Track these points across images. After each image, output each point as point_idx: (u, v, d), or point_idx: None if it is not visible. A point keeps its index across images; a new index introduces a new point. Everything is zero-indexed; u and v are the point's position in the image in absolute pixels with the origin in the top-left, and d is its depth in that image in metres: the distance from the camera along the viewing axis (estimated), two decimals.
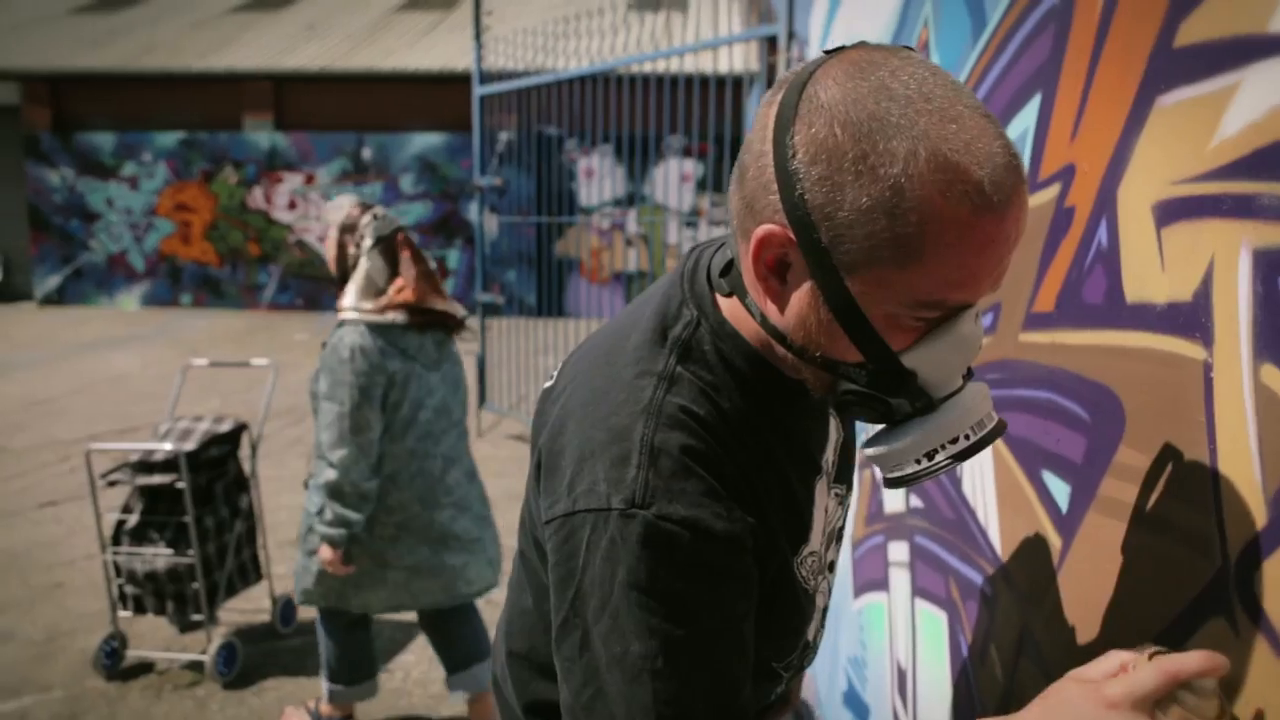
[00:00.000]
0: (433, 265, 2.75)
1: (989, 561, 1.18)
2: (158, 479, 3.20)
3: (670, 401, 0.81)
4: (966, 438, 0.79)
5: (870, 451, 0.82)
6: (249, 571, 3.54)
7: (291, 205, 13.29)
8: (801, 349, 0.79)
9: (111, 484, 3.22)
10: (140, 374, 8.87)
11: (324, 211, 3.01)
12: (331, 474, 2.49)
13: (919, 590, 1.50)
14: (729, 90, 5.26)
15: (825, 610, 1.03)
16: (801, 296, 0.75)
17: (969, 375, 0.81)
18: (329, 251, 2.67)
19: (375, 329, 2.55)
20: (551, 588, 0.82)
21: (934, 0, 1.48)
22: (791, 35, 3.94)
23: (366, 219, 2.64)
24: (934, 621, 1.42)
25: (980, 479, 1.22)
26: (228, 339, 10.91)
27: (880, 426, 0.83)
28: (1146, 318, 0.80)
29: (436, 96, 12.60)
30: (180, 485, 3.17)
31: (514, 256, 12.52)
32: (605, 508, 0.78)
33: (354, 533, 2.54)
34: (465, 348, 8.30)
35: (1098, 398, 0.89)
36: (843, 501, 1.04)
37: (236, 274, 13.46)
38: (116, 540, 3.27)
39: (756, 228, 0.74)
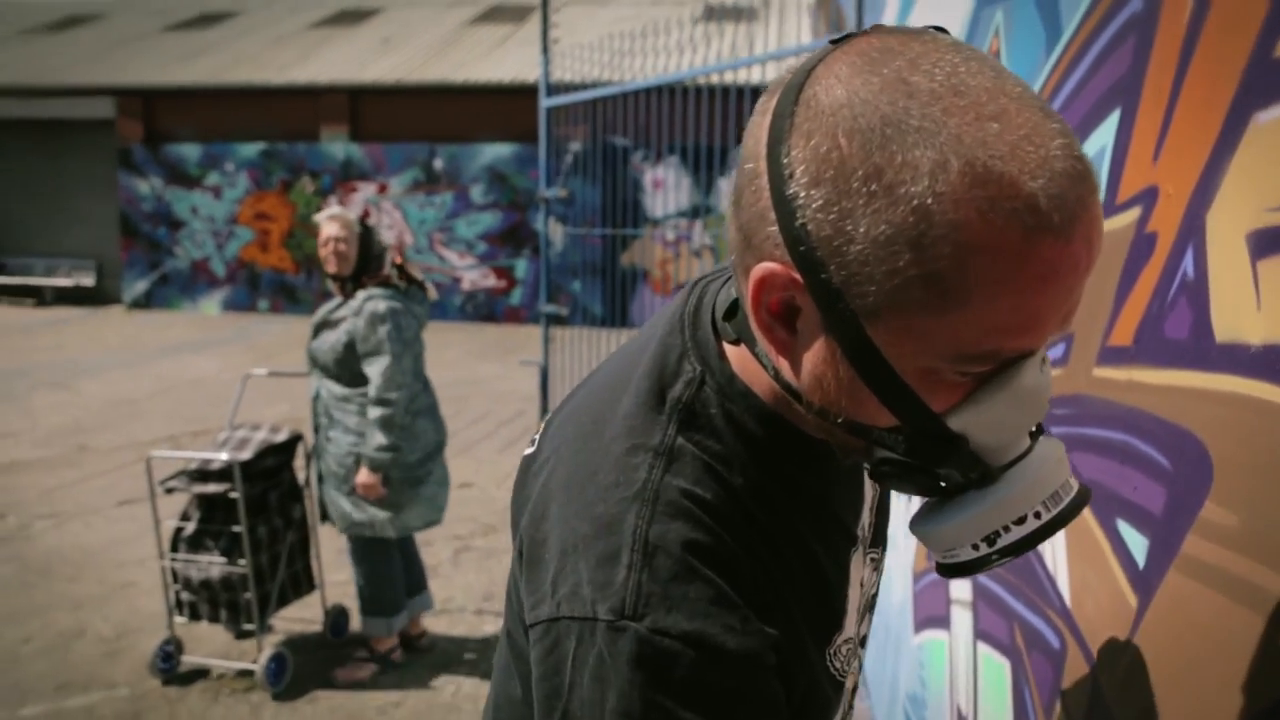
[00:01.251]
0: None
1: (1056, 612, 1.09)
2: (212, 488, 3.22)
3: (669, 484, 0.66)
4: (1038, 515, 0.63)
5: (917, 532, 0.68)
6: (301, 582, 3.54)
7: (365, 214, 13.56)
8: (822, 411, 0.64)
9: (169, 491, 3.25)
10: (216, 378, 9.13)
11: (329, 217, 3.29)
12: (388, 411, 3.12)
13: (981, 633, 1.41)
14: None
15: (855, 689, 0.87)
16: (816, 349, 0.61)
17: (1038, 432, 0.66)
18: (349, 246, 3.22)
19: (401, 294, 3.28)
20: (536, 703, 0.68)
21: (1005, 7, 1.40)
22: None
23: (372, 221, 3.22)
24: (996, 669, 1.33)
25: None
26: (300, 344, 11.14)
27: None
28: (1238, 359, 0.72)
29: (507, 108, 12.75)
30: (234, 495, 3.18)
31: (581, 267, 12.58)
32: (590, 616, 0.63)
33: (397, 458, 3.19)
34: (529, 358, 8.35)
35: (1181, 444, 0.80)
36: (878, 566, 0.88)
37: (311, 281, 13.79)
38: (174, 547, 3.31)
39: (755, 265, 0.60)
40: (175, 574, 3.31)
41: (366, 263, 3.27)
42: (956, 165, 0.51)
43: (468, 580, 4.22)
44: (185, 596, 3.32)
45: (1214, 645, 0.74)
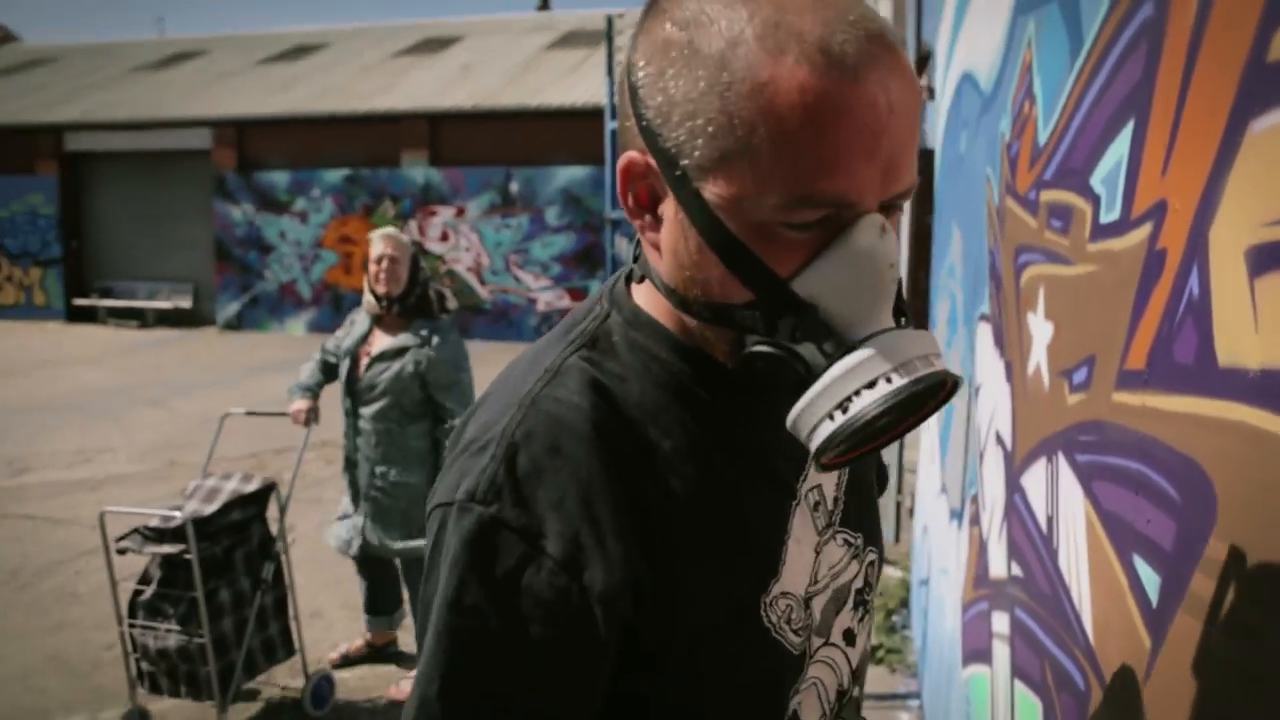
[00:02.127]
0: None
1: (1082, 651, 1.03)
2: (167, 549, 2.86)
3: (547, 394, 0.68)
4: (888, 380, 0.59)
5: (789, 418, 0.64)
6: (276, 648, 3.18)
7: (444, 237, 13.89)
8: (684, 298, 0.66)
9: (121, 552, 2.95)
10: None
11: (383, 236, 3.32)
12: None
13: (1018, 670, 1.34)
14: None
15: (842, 693, 0.81)
16: (671, 226, 0.65)
17: (906, 322, 0.66)
18: (401, 266, 3.24)
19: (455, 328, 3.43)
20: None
21: (1036, 20, 1.35)
22: (925, 60, 3.77)
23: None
24: (1031, 708, 1.26)
25: (1075, 554, 1.08)
26: None
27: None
28: (1239, 385, 0.67)
29: (581, 131, 12.91)
30: (188, 557, 2.82)
31: None
32: (450, 501, 0.66)
33: None
34: None
35: (1188, 475, 0.75)
36: (858, 555, 0.82)
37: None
38: (132, 613, 2.97)
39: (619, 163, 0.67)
40: (134, 642, 2.97)
41: (414, 284, 3.29)
42: (757, 21, 0.58)
43: None
44: (145, 667, 2.98)
45: (1217, 694, 0.69)
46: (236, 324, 14.96)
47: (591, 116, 12.50)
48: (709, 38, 0.59)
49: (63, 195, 15.88)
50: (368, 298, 3.32)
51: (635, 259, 0.75)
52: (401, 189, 14.00)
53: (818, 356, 0.62)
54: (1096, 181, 1.01)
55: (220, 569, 2.96)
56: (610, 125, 6.14)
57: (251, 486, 3.06)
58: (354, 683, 3.51)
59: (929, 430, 3.39)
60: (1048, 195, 1.24)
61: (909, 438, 5.12)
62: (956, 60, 2.57)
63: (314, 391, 3.42)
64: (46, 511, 5.57)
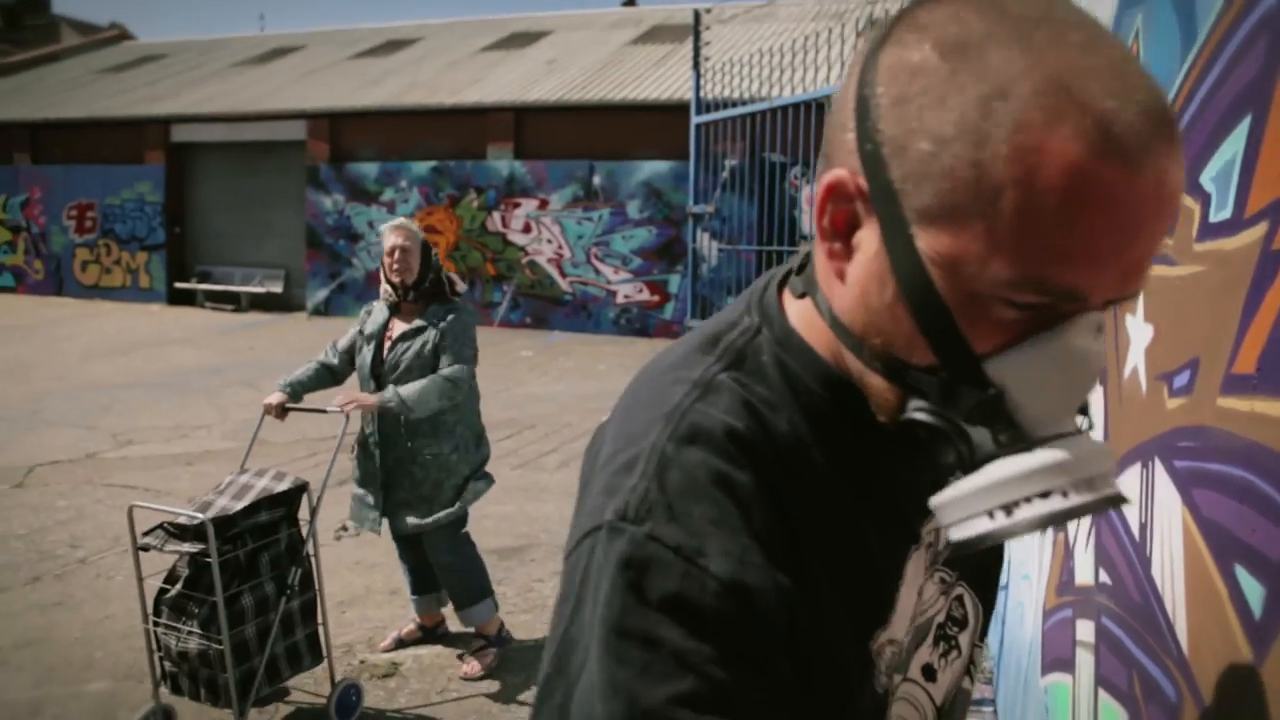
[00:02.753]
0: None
1: (1174, 661, 1.01)
2: (188, 548, 2.77)
3: (699, 409, 0.63)
4: (1065, 495, 0.55)
5: (934, 500, 0.60)
6: (302, 655, 3.06)
7: (526, 229, 14.08)
8: (860, 341, 0.61)
9: (143, 549, 2.84)
10: None
11: (394, 227, 3.44)
12: (448, 383, 3.31)
13: (1102, 679, 1.31)
14: None
15: None
16: (866, 263, 0.59)
17: (1089, 424, 0.60)
18: (412, 260, 3.38)
19: (472, 307, 3.57)
20: (550, 639, 0.63)
21: (1145, 9, 1.30)
22: None
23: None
24: (1115, 717, 1.23)
25: (1170, 562, 1.05)
26: None
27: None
28: None
29: (664, 125, 12.92)
30: (207, 559, 2.72)
31: (735, 283, 12.57)
32: (598, 525, 0.60)
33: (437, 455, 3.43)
34: None
35: None
36: (947, 591, 0.78)
37: (474, 292, 14.42)
38: (158, 610, 2.88)
39: (823, 178, 0.60)
40: (158, 640, 2.88)
41: (426, 272, 3.44)
42: (1036, 73, 0.51)
43: None
44: (168, 666, 2.90)
45: None
46: (324, 309, 15.43)
47: (674, 111, 12.49)
48: (975, 76, 0.52)
49: (168, 184, 16.63)
50: (385, 287, 3.48)
51: (800, 269, 0.69)
52: (486, 180, 14.24)
53: (989, 443, 0.57)
54: (1206, 179, 0.98)
55: (244, 572, 2.89)
56: (696, 119, 6.13)
57: (282, 486, 2.96)
58: (415, 664, 3.61)
59: None
60: None
61: None
62: None
63: (295, 390, 3.52)
64: (147, 483, 5.85)
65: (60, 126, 17.45)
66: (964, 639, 0.79)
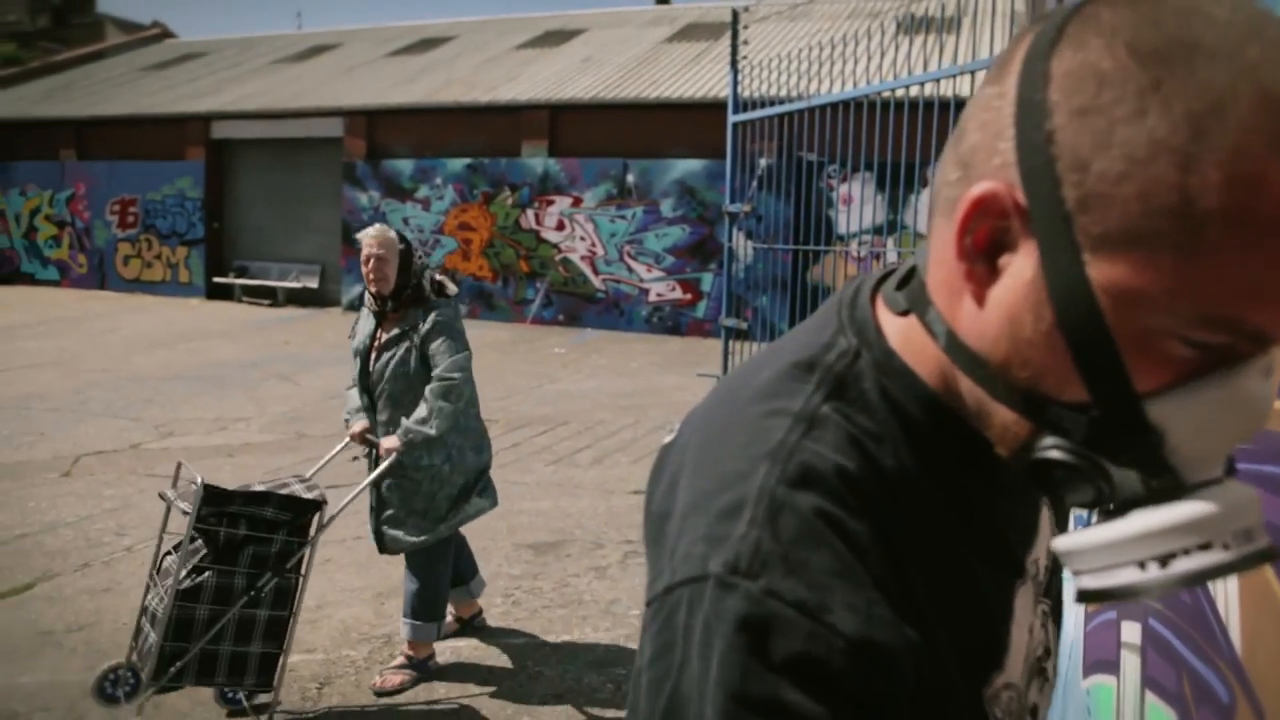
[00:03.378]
0: None
1: (1227, 664, 1.01)
2: (182, 505, 2.77)
3: (808, 447, 0.57)
4: (1226, 547, 0.50)
5: (1064, 544, 0.56)
6: (248, 671, 2.88)
7: (559, 226, 14.15)
8: (998, 372, 0.55)
9: (161, 497, 2.94)
10: None
11: (370, 235, 3.31)
12: (451, 382, 3.24)
13: (1149, 680, 1.31)
14: None
15: None
16: (1016, 289, 0.53)
17: (1233, 468, 0.56)
18: (387, 269, 3.27)
19: (456, 307, 3.46)
20: (644, 693, 0.57)
21: None
22: None
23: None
24: (1163, 719, 1.23)
25: None
26: (493, 348, 11.79)
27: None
28: None
29: (698, 123, 12.92)
30: (185, 510, 2.72)
31: (768, 282, 12.54)
32: (701, 575, 0.55)
33: (437, 473, 3.34)
34: (706, 371, 8.36)
35: None
36: (1050, 623, 0.73)
37: (507, 289, 14.52)
38: (158, 570, 2.91)
39: (969, 190, 0.53)
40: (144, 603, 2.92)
41: (407, 279, 3.32)
42: (1251, 91, 0.45)
43: (633, 583, 4.32)
44: (144, 625, 2.89)
45: None
46: (359, 305, 15.55)
47: (708, 109, 12.49)
48: (1186, 88, 0.46)
49: (208, 179, 16.91)
50: (368, 296, 3.39)
51: (902, 282, 0.63)
52: (520, 178, 14.32)
53: (1136, 487, 0.53)
54: None
55: (222, 553, 2.80)
56: (733, 118, 6.14)
57: (306, 494, 2.95)
58: (453, 656, 3.65)
59: None
60: None
61: None
62: None
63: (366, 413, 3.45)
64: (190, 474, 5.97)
65: (104, 123, 17.79)
66: (1049, 666, 0.76)
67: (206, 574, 2.77)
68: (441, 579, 3.45)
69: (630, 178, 13.65)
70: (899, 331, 0.63)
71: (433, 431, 3.21)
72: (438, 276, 3.47)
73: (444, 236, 14.92)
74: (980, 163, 0.53)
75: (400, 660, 3.42)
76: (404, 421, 3.24)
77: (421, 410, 3.23)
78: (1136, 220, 0.47)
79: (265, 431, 7.22)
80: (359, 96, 15.95)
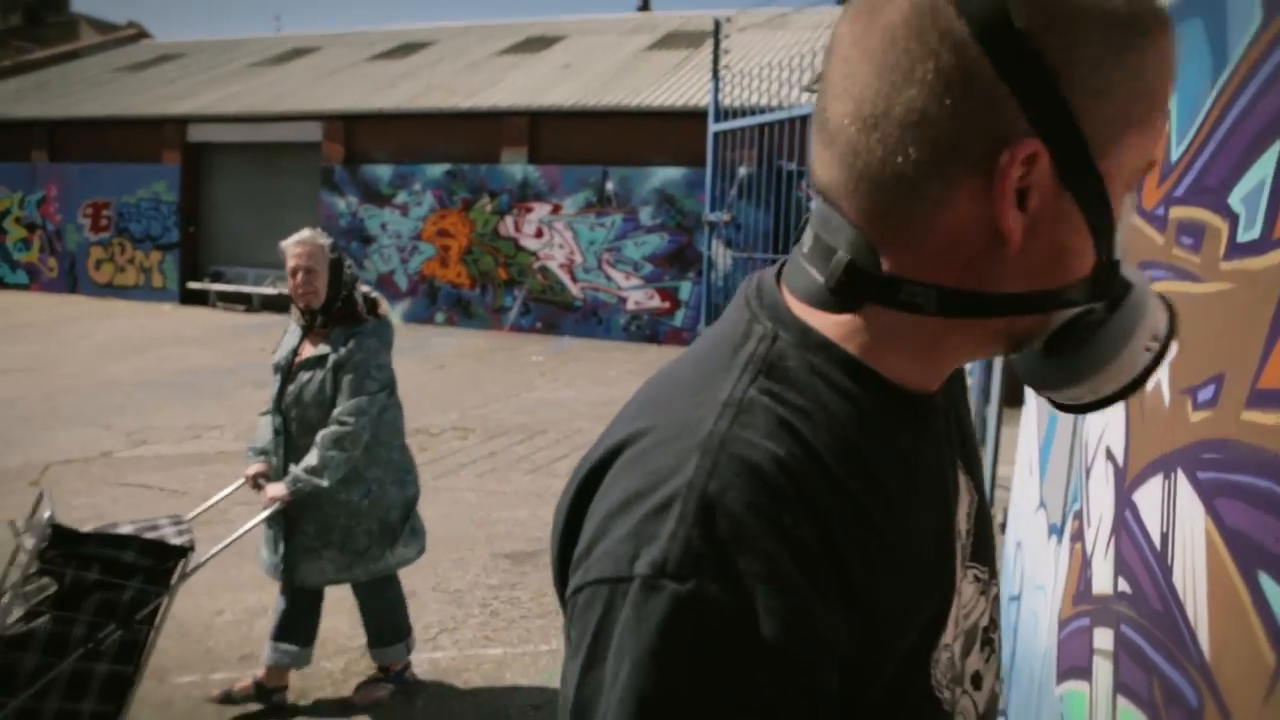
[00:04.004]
0: None
1: (1196, 667, 1.03)
2: (28, 539, 2.45)
3: (738, 436, 0.57)
4: (1170, 315, 0.65)
5: (1088, 384, 0.64)
6: None
7: (538, 233, 14.14)
8: (1020, 297, 0.60)
9: (12, 528, 2.55)
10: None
11: (298, 243, 3.02)
12: (345, 429, 2.95)
13: (1121, 686, 1.33)
14: None
15: None
16: (1053, 223, 0.58)
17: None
18: (317, 281, 3.00)
19: (385, 329, 3.14)
20: (564, 670, 0.58)
21: (1177, 27, 1.34)
22: None
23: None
24: None
25: (1192, 570, 1.07)
26: (471, 356, 11.76)
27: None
28: None
29: (678, 132, 12.97)
30: (27, 548, 2.40)
31: None
32: (626, 575, 0.54)
33: (345, 503, 3.07)
34: None
35: None
36: (985, 590, 0.74)
37: (485, 296, 14.48)
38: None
39: (980, 160, 0.56)
40: None
41: (337, 292, 3.04)
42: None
43: None
44: None
45: None
46: None
47: (688, 118, 12.55)
48: (1124, 4, 0.56)
49: (184, 183, 16.75)
50: (293, 309, 3.11)
51: (841, 274, 0.63)
52: (500, 184, 14.31)
53: (1099, 310, 0.63)
54: (1235, 200, 1.01)
55: (66, 598, 2.44)
56: (714, 127, 6.17)
57: (174, 540, 2.64)
58: (440, 665, 3.64)
59: (1027, 444, 3.33)
60: (1178, 212, 1.24)
61: (1005, 453, 4.94)
62: None
63: (268, 456, 3.18)
64: (162, 482, 5.90)
65: (78, 125, 17.59)
66: (996, 638, 0.76)
67: (41, 619, 2.40)
68: (394, 601, 3.29)
69: (609, 185, 13.67)
70: (808, 313, 0.64)
71: (324, 483, 2.93)
72: (372, 294, 3.19)
73: (422, 243, 14.87)
74: (969, 132, 0.55)
75: (376, 674, 3.36)
76: (293, 468, 2.98)
77: (312, 458, 2.95)
78: (1124, 111, 0.56)
79: (240, 440, 7.15)
80: (338, 101, 15.87)
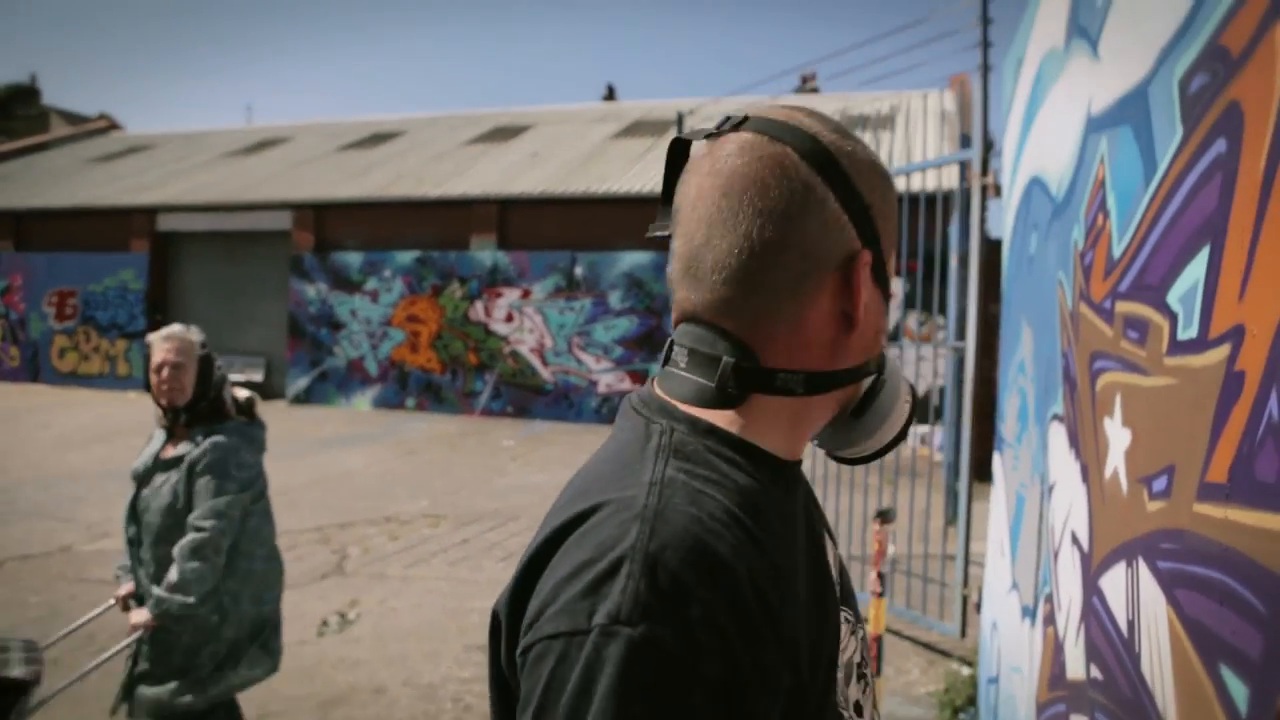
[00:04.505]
0: None
1: None
2: None
3: (669, 505, 0.67)
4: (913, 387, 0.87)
5: (868, 442, 0.84)
6: None
7: (508, 318, 14.22)
8: (856, 370, 0.80)
9: None
10: (363, 471, 9.62)
11: (165, 338, 2.77)
12: (202, 535, 2.63)
13: None
14: (939, 207, 5.19)
15: None
16: (871, 298, 0.78)
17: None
18: (184, 377, 2.73)
19: (254, 429, 2.89)
20: None
21: (1109, 138, 1.42)
22: (987, 158, 3.86)
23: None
24: None
25: (1158, 659, 1.09)
26: (442, 441, 11.66)
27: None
28: None
29: (645, 216, 13.17)
30: None
31: None
32: (584, 628, 0.62)
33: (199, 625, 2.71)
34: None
35: (1274, 590, 0.78)
36: (854, 630, 0.84)
37: (456, 381, 14.45)
38: None
39: (837, 268, 0.76)
40: None
41: (205, 390, 2.79)
42: (868, 159, 0.80)
43: None
44: None
45: None
46: (305, 398, 15.37)
47: (655, 203, 12.78)
48: (868, 154, 0.80)
49: (152, 271, 16.72)
50: (156, 409, 2.83)
51: (730, 374, 0.76)
52: (470, 270, 14.43)
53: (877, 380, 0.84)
54: (1173, 299, 1.06)
55: None
56: None
57: (15, 671, 2.28)
58: None
59: (997, 524, 3.36)
60: (1124, 306, 1.29)
61: (976, 529, 4.96)
62: (1025, 162, 2.64)
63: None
64: None
65: (45, 215, 17.59)
66: (869, 673, 0.88)
67: None
68: None
69: (578, 270, 13.84)
70: (728, 419, 0.77)
71: (191, 599, 2.60)
72: (244, 394, 2.94)
73: (392, 329, 14.88)
74: (822, 248, 0.76)
75: None
76: (154, 590, 2.65)
77: (173, 573, 2.61)
78: (888, 230, 0.79)
79: None
80: (308, 190, 16.04)
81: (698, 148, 0.79)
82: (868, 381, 0.81)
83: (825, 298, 0.75)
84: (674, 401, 0.78)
